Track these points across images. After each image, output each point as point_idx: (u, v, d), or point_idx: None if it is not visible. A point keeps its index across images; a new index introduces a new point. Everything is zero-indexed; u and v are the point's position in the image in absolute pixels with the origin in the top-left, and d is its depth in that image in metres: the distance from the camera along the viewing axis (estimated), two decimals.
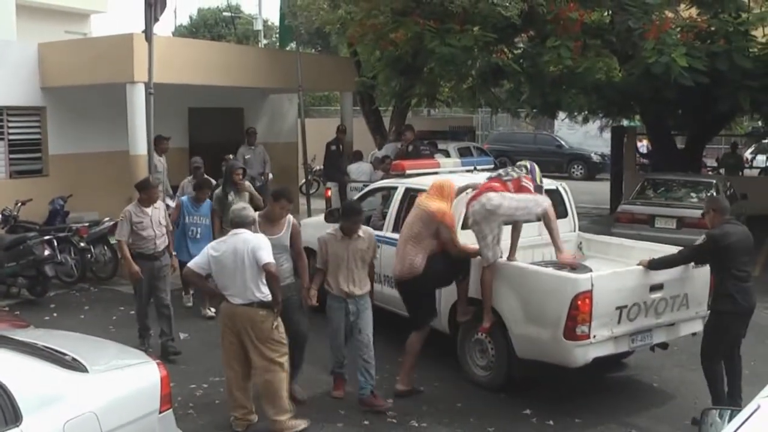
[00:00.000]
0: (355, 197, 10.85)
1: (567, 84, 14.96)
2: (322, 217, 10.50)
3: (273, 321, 6.56)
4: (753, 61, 13.89)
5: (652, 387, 8.09)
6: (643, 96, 15.80)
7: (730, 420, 3.58)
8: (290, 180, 18.91)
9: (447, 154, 16.86)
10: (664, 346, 7.91)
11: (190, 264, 6.85)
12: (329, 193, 15.56)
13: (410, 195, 9.34)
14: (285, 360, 6.66)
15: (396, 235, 8.91)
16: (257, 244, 6.54)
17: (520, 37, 16.58)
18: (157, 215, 8.87)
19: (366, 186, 12.23)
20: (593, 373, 7.20)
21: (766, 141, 25.53)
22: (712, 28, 14.18)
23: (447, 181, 7.88)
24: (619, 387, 8.09)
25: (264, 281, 6.53)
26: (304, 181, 18.56)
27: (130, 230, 8.68)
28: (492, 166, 11.42)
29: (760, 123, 21.48)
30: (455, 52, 13.64)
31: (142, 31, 11.49)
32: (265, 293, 6.54)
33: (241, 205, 7.14)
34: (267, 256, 6.52)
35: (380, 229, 9.25)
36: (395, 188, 9.44)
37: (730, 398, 6.92)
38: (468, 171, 9.96)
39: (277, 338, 6.59)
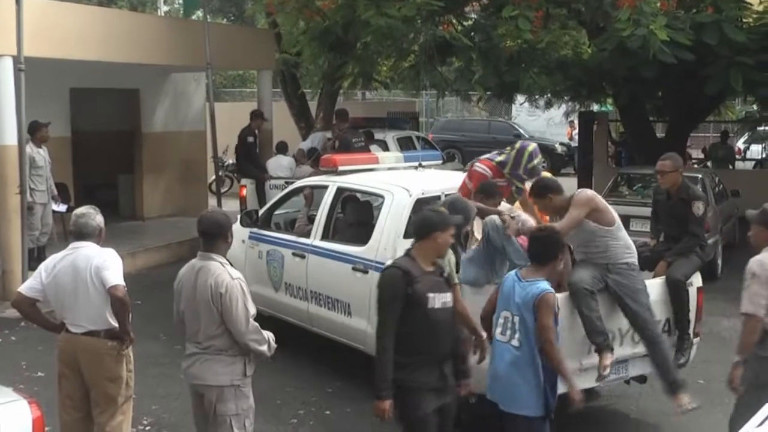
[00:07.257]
0: (276, 197, 10.75)
1: (526, 62, 15.10)
2: (237, 222, 10.42)
3: (123, 355, 6.20)
4: (747, 33, 14.09)
5: (629, 418, 8.21)
6: (617, 76, 16.02)
7: None
8: (197, 177, 18.73)
9: (385, 146, 16.91)
10: (642, 379, 7.95)
11: (21, 288, 6.38)
12: (244, 191, 15.44)
13: (343, 196, 9.33)
14: (129, 404, 6.37)
15: (326, 244, 8.86)
16: (102, 263, 6.06)
17: (471, 6, 16.71)
18: None
19: (288, 184, 12.17)
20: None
21: (761, 128, 25.94)
22: None
23: None
24: (593, 418, 8.15)
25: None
26: (213, 177, 18.40)
27: None
28: (440, 161, 11.46)
29: (754, 107, 21.89)
30: (394, 24, 13.64)
31: None
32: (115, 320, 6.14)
33: (82, 210, 6.37)
34: (114, 276, 6.02)
35: (306, 235, 9.20)
36: (325, 187, 9.39)
37: None
38: (411, 167, 9.99)
39: (125, 377, 6.24)
